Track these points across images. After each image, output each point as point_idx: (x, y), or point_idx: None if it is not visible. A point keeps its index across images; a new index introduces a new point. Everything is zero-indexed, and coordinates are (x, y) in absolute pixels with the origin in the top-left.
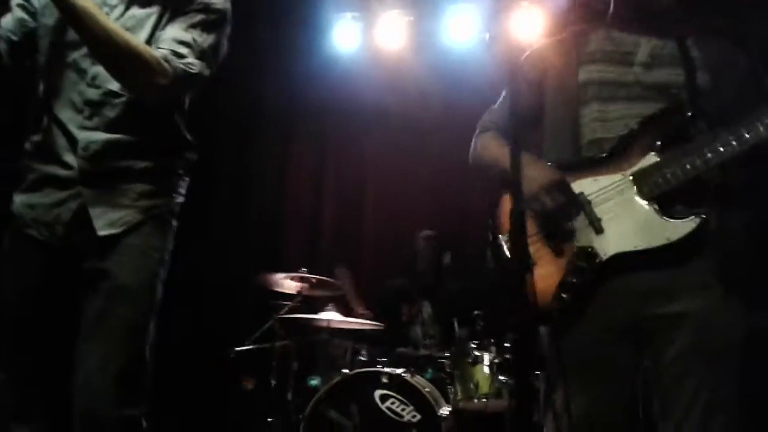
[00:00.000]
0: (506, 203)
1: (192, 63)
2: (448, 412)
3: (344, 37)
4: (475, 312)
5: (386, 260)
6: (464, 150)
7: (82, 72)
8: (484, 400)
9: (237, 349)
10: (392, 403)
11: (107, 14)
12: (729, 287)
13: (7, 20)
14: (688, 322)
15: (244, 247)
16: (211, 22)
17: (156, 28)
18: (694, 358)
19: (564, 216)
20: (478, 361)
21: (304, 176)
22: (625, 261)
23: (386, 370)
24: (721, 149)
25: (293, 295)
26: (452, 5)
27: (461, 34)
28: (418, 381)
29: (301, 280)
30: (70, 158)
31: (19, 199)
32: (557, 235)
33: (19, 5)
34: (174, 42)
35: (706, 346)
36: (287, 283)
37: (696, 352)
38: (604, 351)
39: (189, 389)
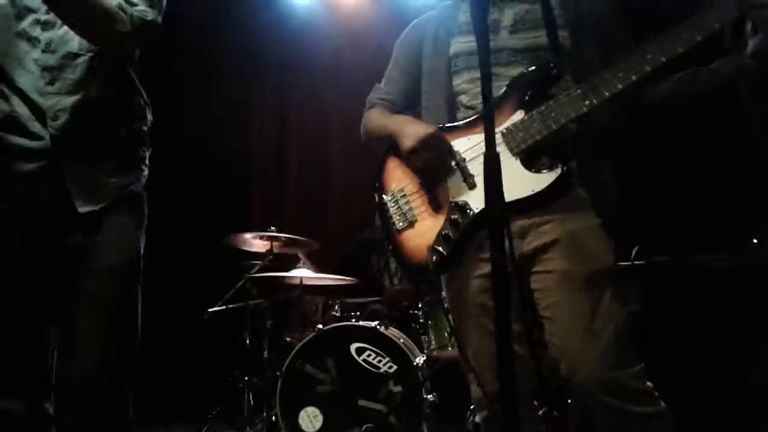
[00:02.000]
0: (391, 164)
1: (145, 10)
2: (423, 361)
3: None
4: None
5: (354, 213)
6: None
7: (33, 40)
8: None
9: (210, 310)
10: (368, 356)
11: None
12: (599, 219)
13: None
14: (559, 246)
15: (210, 208)
16: None
17: None
18: (568, 280)
19: (440, 169)
20: None
21: (268, 132)
22: None
23: (360, 323)
24: (581, 105)
25: (263, 253)
26: None
27: None
28: (393, 333)
29: (271, 239)
30: (37, 128)
31: None
32: (435, 192)
33: None
34: None
35: (579, 266)
36: (257, 242)
37: (570, 274)
38: (487, 297)
39: (164, 353)
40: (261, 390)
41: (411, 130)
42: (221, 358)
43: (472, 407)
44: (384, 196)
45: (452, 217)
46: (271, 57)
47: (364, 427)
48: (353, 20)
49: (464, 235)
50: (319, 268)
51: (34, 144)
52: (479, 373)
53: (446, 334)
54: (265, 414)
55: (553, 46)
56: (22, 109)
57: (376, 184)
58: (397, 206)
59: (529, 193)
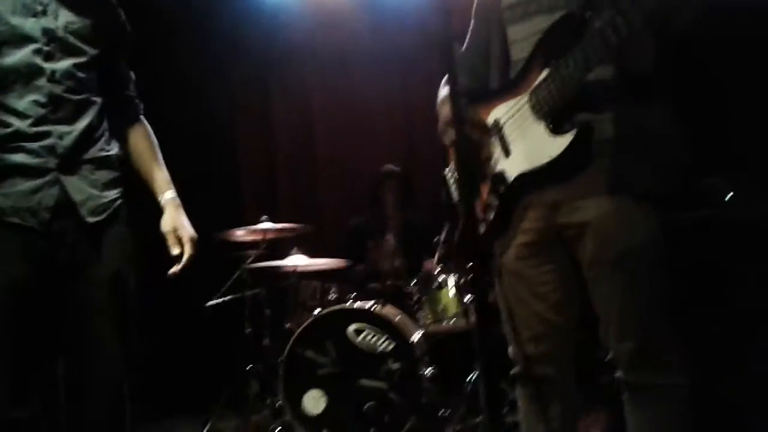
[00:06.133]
0: None
1: None
2: (420, 336)
3: None
4: (435, 239)
5: (343, 198)
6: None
7: (36, 68)
8: (452, 321)
9: (209, 303)
10: (366, 336)
11: None
12: (634, 187)
13: None
14: (590, 230)
15: (199, 199)
16: None
17: None
18: (601, 264)
19: (480, 146)
20: (444, 285)
21: (253, 123)
22: (530, 179)
23: (356, 305)
24: (598, 49)
25: (257, 242)
26: None
27: None
28: (389, 311)
29: (264, 230)
30: (41, 148)
31: None
32: (480, 163)
33: None
34: None
35: (607, 250)
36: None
37: (602, 258)
38: (531, 263)
39: (167, 349)
40: (265, 377)
41: (441, 111)
42: (224, 349)
43: (470, 376)
44: (446, 170)
45: (494, 186)
46: (248, 48)
47: (366, 405)
48: (325, 4)
49: (504, 202)
50: (314, 252)
51: (38, 161)
52: (515, 334)
53: (441, 309)
54: (269, 400)
55: None
56: (24, 131)
57: (444, 159)
58: (453, 180)
59: (546, 160)
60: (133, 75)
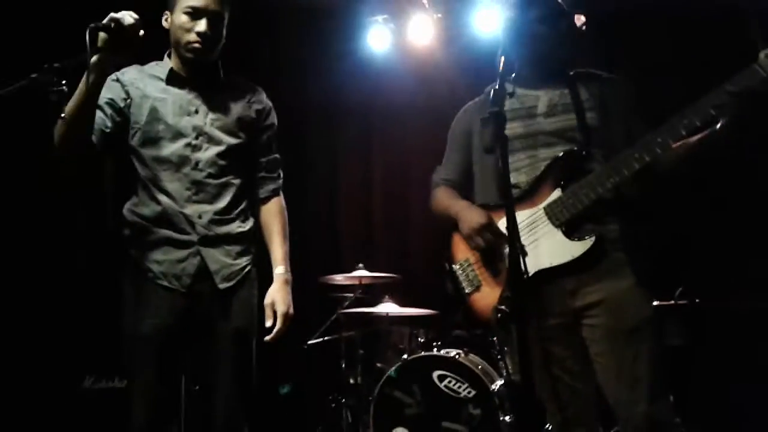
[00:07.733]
0: (457, 238)
1: None
2: (499, 386)
3: (377, 39)
4: None
5: (434, 250)
6: None
7: (185, 158)
8: None
9: (309, 342)
10: (449, 382)
11: None
12: (636, 277)
13: (100, 116)
14: (604, 306)
15: (302, 246)
16: None
17: None
18: (612, 335)
19: (495, 247)
20: None
21: (354, 176)
22: (548, 273)
23: (441, 353)
24: (606, 183)
25: (353, 287)
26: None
27: (487, 26)
28: (472, 360)
29: (360, 278)
30: (185, 225)
31: (138, 254)
32: (494, 262)
33: (107, 103)
34: None
35: (621, 323)
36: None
37: (613, 330)
38: (555, 342)
39: (270, 380)
40: (356, 411)
41: (467, 218)
42: (321, 384)
43: (546, 426)
44: (453, 265)
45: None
46: (353, 105)
47: None
48: (425, 64)
49: (520, 294)
50: (403, 298)
51: (184, 237)
52: (548, 402)
53: None
54: None
55: (580, 126)
56: (173, 210)
57: (446, 255)
58: (464, 274)
59: (569, 258)
60: (278, 156)
